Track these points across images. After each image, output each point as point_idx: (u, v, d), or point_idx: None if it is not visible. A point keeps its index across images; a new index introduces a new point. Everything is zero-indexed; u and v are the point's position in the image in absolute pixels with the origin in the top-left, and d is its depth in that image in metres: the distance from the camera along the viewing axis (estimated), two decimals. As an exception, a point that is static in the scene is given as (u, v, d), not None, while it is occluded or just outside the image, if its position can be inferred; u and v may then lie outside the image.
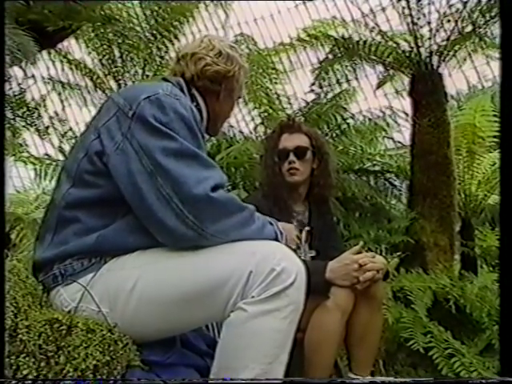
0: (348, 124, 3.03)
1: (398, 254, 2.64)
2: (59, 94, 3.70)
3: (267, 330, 0.82)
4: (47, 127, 3.35)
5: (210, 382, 0.90)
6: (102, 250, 0.89)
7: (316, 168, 1.60)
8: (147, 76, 3.59)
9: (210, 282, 0.84)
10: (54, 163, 3.37)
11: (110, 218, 0.89)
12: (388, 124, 3.24)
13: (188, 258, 0.86)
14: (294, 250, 1.01)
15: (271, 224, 0.99)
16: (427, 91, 2.78)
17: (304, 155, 1.57)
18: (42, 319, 0.74)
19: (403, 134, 3.62)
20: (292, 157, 1.55)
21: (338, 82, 3.97)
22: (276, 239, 0.96)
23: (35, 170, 3.31)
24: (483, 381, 1.26)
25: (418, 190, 2.70)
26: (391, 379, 1.45)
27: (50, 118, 3.54)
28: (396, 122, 3.26)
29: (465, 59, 3.47)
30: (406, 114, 3.00)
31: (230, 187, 2.90)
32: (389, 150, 4.24)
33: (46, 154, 3.26)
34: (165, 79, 1.08)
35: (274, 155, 1.58)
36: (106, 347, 0.76)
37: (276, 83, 3.99)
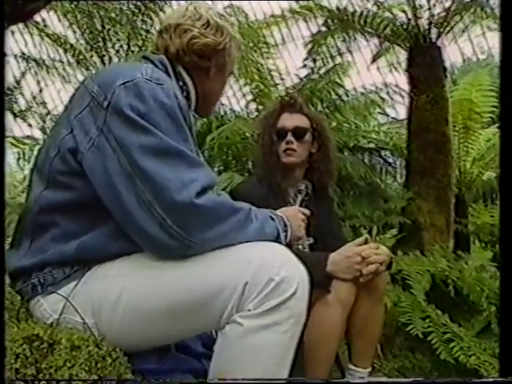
0: (343, 101, 2.92)
1: (395, 234, 2.61)
2: (35, 73, 3.49)
3: (266, 345, 0.75)
4: (24, 110, 3.18)
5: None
6: (84, 258, 0.80)
7: (315, 152, 1.52)
8: (132, 51, 3.40)
9: (201, 293, 0.76)
10: (38, 145, 3.22)
11: (91, 222, 0.80)
12: (383, 100, 3.13)
13: (177, 266, 0.78)
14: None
15: (272, 219, 0.90)
16: (425, 66, 2.67)
17: (303, 136, 1.48)
18: (19, 337, 0.67)
19: (398, 109, 3.53)
20: (290, 137, 1.46)
21: (331, 56, 3.84)
22: (278, 236, 0.87)
23: (18, 153, 3.16)
24: (483, 381, 1.26)
25: (414, 169, 2.63)
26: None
27: (29, 102, 3.36)
28: (391, 97, 3.16)
29: (463, 31, 3.34)
30: (403, 90, 2.89)
31: (222, 168, 2.81)
32: (382, 124, 4.16)
33: (28, 136, 3.11)
34: (145, 57, 0.95)
35: (271, 134, 1.49)
36: (93, 365, 0.69)
37: (268, 58, 3.84)
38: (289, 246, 0.90)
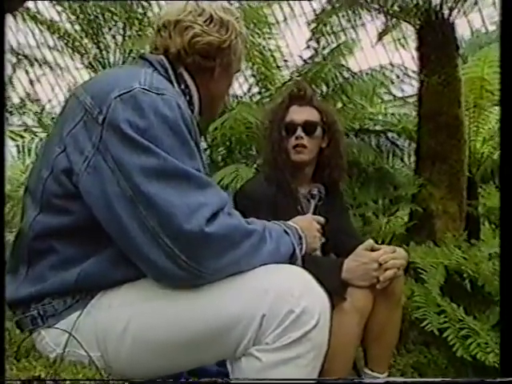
0: (349, 83, 2.80)
1: (405, 222, 2.54)
2: (29, 65, 3.36)
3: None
4: (18, 107, 3.08)
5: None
6: (86, 287, 0.74)
7: (326, 147, 1.44)
8: (129, 37, 3.27)
9: (214, 324, 0.70)
10: (37, 138, 3.15)
11: (91, 247, 0.74)
12: (391, 81, 3.01)
13: (188, 296, 0.72)
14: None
15: (287, 233, 0.83)
16: (437, 45, 2.51)
17: (313, 131, 1.40)
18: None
19: (406, 91, 3.39)
20: (300, 132, 1.38)
21: (335, 34, 3.68)
22: (294, 252, 0.81)
23: (17, 146, 3.09)
24: (483, 380, 1.22)
25: (425, 155, 2.53)
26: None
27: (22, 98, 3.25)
28: (400, 78, 3.03)
29: (475, 3, 3.16)
30: (413, 71, 2.76)
31: (226, 159, 2.73)
32: (389, 102, 4.02)
33: (26, 130, 3.03)
34: (143, 57, 0.87)
35: (280, 129, 1.40)
36: (99, 406, 0.64)
37: (269, 38, 3.69)
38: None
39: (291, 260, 0.82)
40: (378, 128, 3.36)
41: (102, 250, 0.74)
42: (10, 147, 3.05)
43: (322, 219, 1.04)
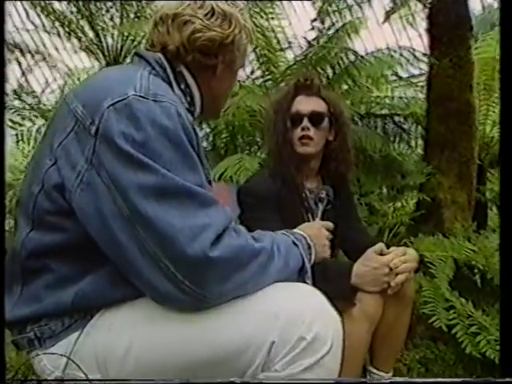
0: (357, 68, 2.70)
1: (412, 211, 2.48)
2: (23, 54, 3.26)
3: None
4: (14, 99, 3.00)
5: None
6: (84, 307, 0.70)
7: (333, 140, 1.38)
8: (127, 17, 3.15)
9: (221, 350, 0.66)
10: (36, 126, 3.08)
11: (88, 264, 0.69)
12: (401, 64, 2.89)
13: (192, 319, 0.67)
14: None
15: (296, 244, 0.79)
16: (449, 25, 2.39)
17: (320, 123, 1.33)
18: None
19: (415, 74, 3.28)
20: (306, 122, 1.31)
21: (340, 13, 3.55)
22: (303, 265, 0.77)
23: (16, 135, 3.03)
24: (483, 380, 1.20)
25: (434, 142, 2.45)
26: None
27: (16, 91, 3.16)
28: (408, 60, 2.91)
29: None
30: (424, 54, 2.64)
31: (229, 147, 2.66)
32: (393, 81, 3.90)
33: (23, 118, 2.96)
34: (139, 55, 0.80)
35: (285, 120, 1.34)
36: None
37: (272, 18, 3.56)
38: None
39: (300, 273, 0.79)
40: (384, 112, 3.27)
41: (100, 268, 0.69)
42: (10, 135, 2.99)
43: (331, 225, 0.99)
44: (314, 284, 0.82)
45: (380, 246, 1.12)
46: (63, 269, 0.70)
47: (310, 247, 0.83)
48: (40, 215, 0.70)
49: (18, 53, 3.14)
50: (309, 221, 1.36)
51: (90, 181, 0.64)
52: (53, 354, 0.69)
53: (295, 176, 1.34)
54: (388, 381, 1.24)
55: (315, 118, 1.33)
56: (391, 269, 1.06)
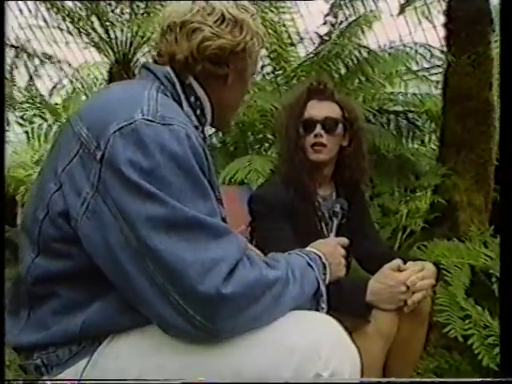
0: (371, 65, 2.62)
1: (426, 214, 2.42)
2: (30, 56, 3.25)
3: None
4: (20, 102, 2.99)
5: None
6: (92, 335, 0.68)
7: (347, 146, 1.33)
8: (136, 14, 3.11)
9: None
10: (46, 123, 3.08)
11: (95, 290, 0.67)
12: (417, 62, 2.81)
13: (203, 352, 0.65)
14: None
15: (311, 266, 0.75)
16: (469, 20, 2.29)
17: (334, 129, 1.29)
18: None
19: (431, 71, 3.18)
20: (319, 129, 1.27)
21: (353, 7, 3.46)
22: (318, 287, 0.74)
23: (27, 132, 3.04)
24: (483, 380, 1.17)
25: (450, 142, 2.37)
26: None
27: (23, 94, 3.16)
28: (425, 57, 2.83)
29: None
30: (438, 49, 2.56)
31: (240, 148, 2.62)
32: (405, 73, 3.81)
33: (34, 115, 2.96)
34: (147, 68, 0.77)
35: (297, 125, 1.29)
36: None
37: (284, 12, 3.48)
38: None
39: (315, 296, 0.76)
40: (397, 108, 3.19)
41: (107, 294, 0.67)
42: (19, 134, 3.00)
43: (346, 241, 0.95)
44: (329, 301, 0.79)
45: (397, 262, 1.08)
46: (70, 295, 0.68)
47: (325, 267, 0.80)
48: (45, 241, 0.68)
49: (25, 55, 3.13)
50: (322, 229, 1.33)
51: (96, 209, 0.62)
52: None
53: (308, 184, 1.30)
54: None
55: (329, 124, 1.29)
56: (408, 287, 1.02)
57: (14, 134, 3.74)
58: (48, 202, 0.66)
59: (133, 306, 0.65)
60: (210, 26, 0.74)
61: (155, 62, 0.79)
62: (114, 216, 0.61)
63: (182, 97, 0.75)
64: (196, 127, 0.75)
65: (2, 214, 0.72)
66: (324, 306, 0.76)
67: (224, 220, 0.72)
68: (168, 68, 0.75)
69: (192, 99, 0.77)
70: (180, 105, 0.75)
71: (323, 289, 0.76)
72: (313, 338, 0.65)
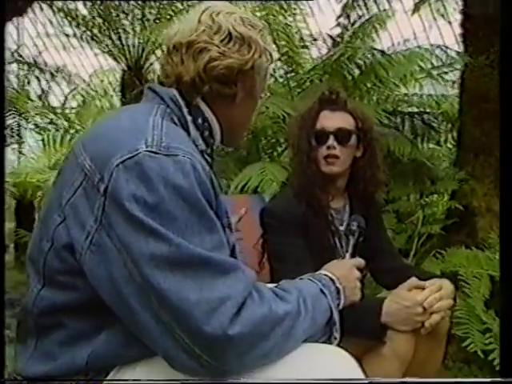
0: (384, 68, 2.57)
1: (443, 219, 2.36)
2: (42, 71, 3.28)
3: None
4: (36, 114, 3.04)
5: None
6: (98, 367, 0.67)
7: (360, 157, 1.30)
8: (148, 20, 3.11)
9: None
10: (61, 130, 3.13)
11: (102, 321, 0.66)
12: (432, 65, 2.74)
13: None
14: None
15: (323, 293, 0.73)
16: (486, 19, 2.23)
17: (347, 140, 1.25)
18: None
19: (447, 71, 3.10)
20: (332, 141, 1.24)
21: (366, 7, 3.40)
22: (331, 315, 0.72)
23: (43, 140, 3.09)
24: (483, 381, 1.13)
25: (468, 146, 2.31)
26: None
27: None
28: (441, 60, 2.75)
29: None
30: (457, 52, 2.49)
31: (253, 155, 2.60)
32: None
33: (51, 123, 2.99)
34: (152, 90, 0.75)
35: (309, 137, 1.27)
36: None
37: (295, 14, 3.44)
38: None
39: (328, 324, 0.73)
40: (412, 110, 3.13)
41: (114, 325, 0.66)
42: (34, 142, 3.05)
43: (362, 262, 0.92)
44: (342, 324, 0.77)
45: (413, 281, 1.04)
46: (77, 326, 0.67)
47: (338, 291, 0.77)
48: (51, 274, 0.67)
49: (37, 69, 3.18)
50: (335, 244, 1.30)
51: (101, 243, 0.60)
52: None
53: (321, 197, 1.27)
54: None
55: (341, 136, 1.25)
56: (425, 308, 0.99)
57: (32, 140, 3.80)
58: (53, 234, 0.66)
59: (139, 339, 0.64)
60: (217, 46, 0.72)
61: (161, 83, 0.77)
62: (118, 250, 0.59)
63: (189, 119, 0.73)
64: (202, 152, 0.74)
65: (2, 213, 0.71)
66: (337, 335, 0.73)
67: (233, 249, 0.70)
68: (174, 91, 0.73)
69: (199, 121, 0.75)
70: (187, 129, 0.73)
71: (336, 317, 0.73)
72: (324, 374, 0.63)
